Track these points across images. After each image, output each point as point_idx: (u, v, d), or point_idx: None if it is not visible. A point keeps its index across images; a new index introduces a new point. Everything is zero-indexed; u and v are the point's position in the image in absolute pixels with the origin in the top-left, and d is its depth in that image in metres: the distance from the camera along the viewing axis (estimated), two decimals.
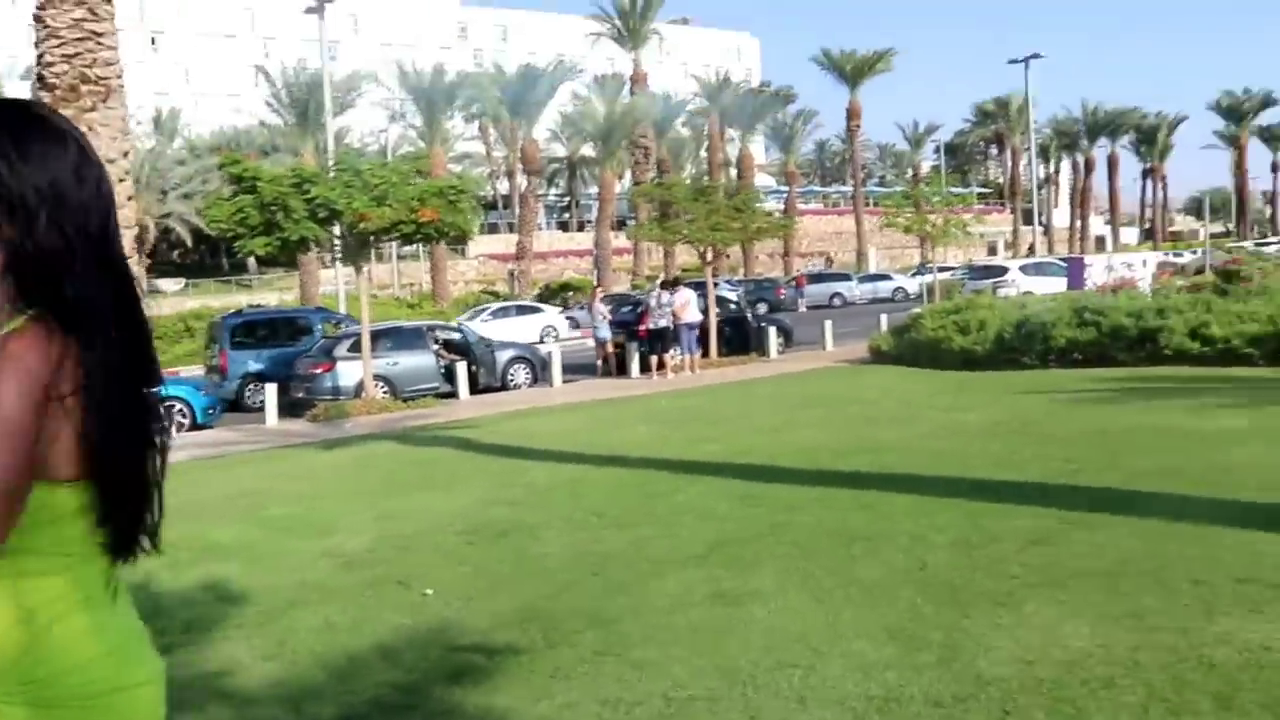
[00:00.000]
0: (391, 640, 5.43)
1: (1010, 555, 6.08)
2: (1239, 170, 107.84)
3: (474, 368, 21.15)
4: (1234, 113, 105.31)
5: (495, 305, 41.12)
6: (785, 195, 77.53)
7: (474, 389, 20.68)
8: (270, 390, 18.89)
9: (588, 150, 67.28)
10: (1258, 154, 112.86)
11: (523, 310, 39.15)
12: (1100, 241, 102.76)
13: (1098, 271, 26.99)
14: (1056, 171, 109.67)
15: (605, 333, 23.57)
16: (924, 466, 9.01)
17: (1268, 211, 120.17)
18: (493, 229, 76.75)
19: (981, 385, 15.36)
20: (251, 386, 21.40)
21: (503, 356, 22.47)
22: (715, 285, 24.68)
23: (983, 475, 8.49)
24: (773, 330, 24.54)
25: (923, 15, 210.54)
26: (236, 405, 21.04)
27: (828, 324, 25.99)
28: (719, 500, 8.28)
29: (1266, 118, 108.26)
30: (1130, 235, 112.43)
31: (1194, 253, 63.33)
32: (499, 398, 20.21)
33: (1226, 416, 10.67)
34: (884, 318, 25.87)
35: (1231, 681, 4.17)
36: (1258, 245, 73.99)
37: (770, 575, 6.08)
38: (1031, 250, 67.27)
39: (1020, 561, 5.94)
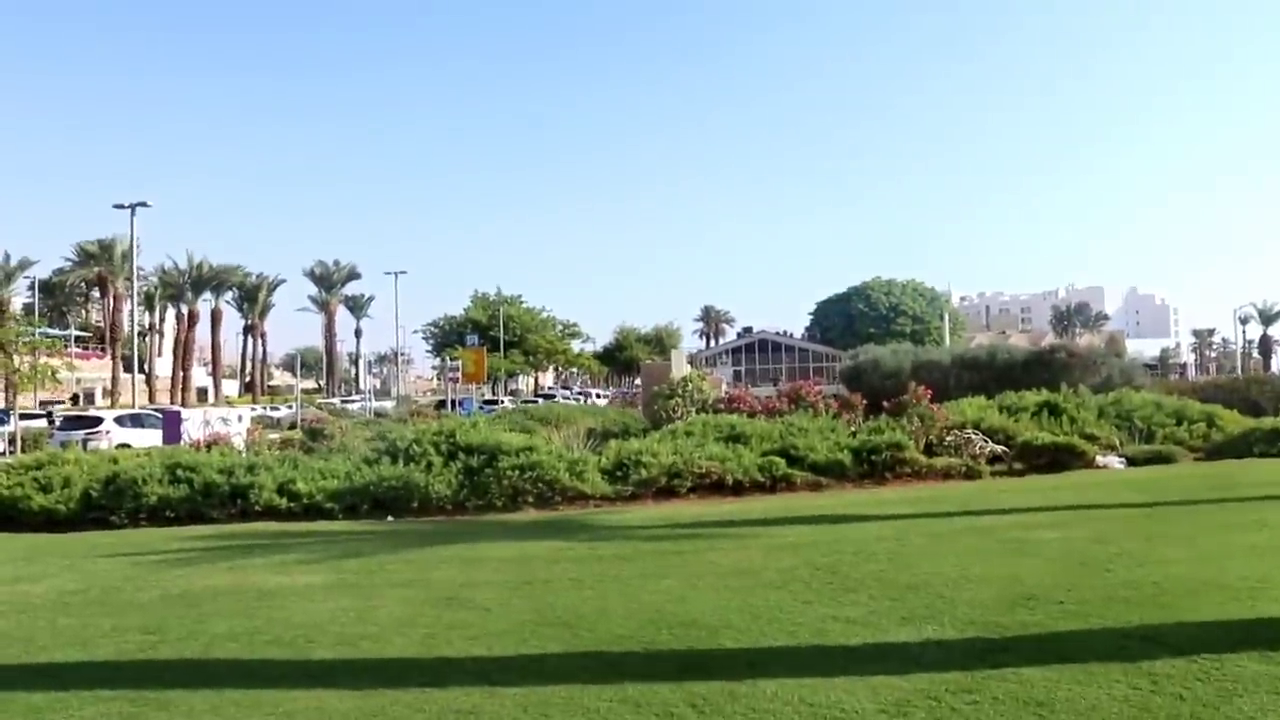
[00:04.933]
0: None
1: None
2: (329, 332, 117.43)
3: None
4: (325, 281, 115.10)
5: None
6: None
7: None
8: None
9: None
10: (346, 319, 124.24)
11: None
12: (203, 393, 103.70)
13: (195, 426, 27.04)
14: (161, 320, 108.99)
15: None
16: None
17: (353, 371, 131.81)
18: None
19: (60, 549, 14.14)
20: None
21: None
22: None
23: (50, 658, 7.69)
24: None
25: (23, 142, 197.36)
26: None
27: None
28: None
29: (352, 288, 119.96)
30: (232, 387, 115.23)
31: (289, 407, 66.90)
32: None
33: (305, 572, 11.08)
34: None
35: None
36: (344, 402, 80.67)
37: None
38: (109, 398, 65.09)
39: None
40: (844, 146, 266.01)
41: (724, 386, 36.28)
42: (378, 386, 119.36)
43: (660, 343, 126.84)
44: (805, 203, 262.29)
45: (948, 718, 5.58)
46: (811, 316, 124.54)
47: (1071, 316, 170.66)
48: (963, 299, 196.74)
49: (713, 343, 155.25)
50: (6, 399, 50.55)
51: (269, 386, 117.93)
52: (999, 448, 21.18)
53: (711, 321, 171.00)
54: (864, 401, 24.99)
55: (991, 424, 22.38)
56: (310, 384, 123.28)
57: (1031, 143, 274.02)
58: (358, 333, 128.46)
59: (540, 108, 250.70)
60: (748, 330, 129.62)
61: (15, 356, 32.58)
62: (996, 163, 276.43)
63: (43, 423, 42.66)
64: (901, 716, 5.61)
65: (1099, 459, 21.32)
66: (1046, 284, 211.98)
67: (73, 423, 40.87)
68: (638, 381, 63.21)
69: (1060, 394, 25.71)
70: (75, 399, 51.84)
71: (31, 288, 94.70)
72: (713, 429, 20.74)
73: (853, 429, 21.61)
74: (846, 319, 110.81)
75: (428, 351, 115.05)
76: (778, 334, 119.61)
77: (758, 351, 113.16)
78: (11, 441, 29.49)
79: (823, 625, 7.77)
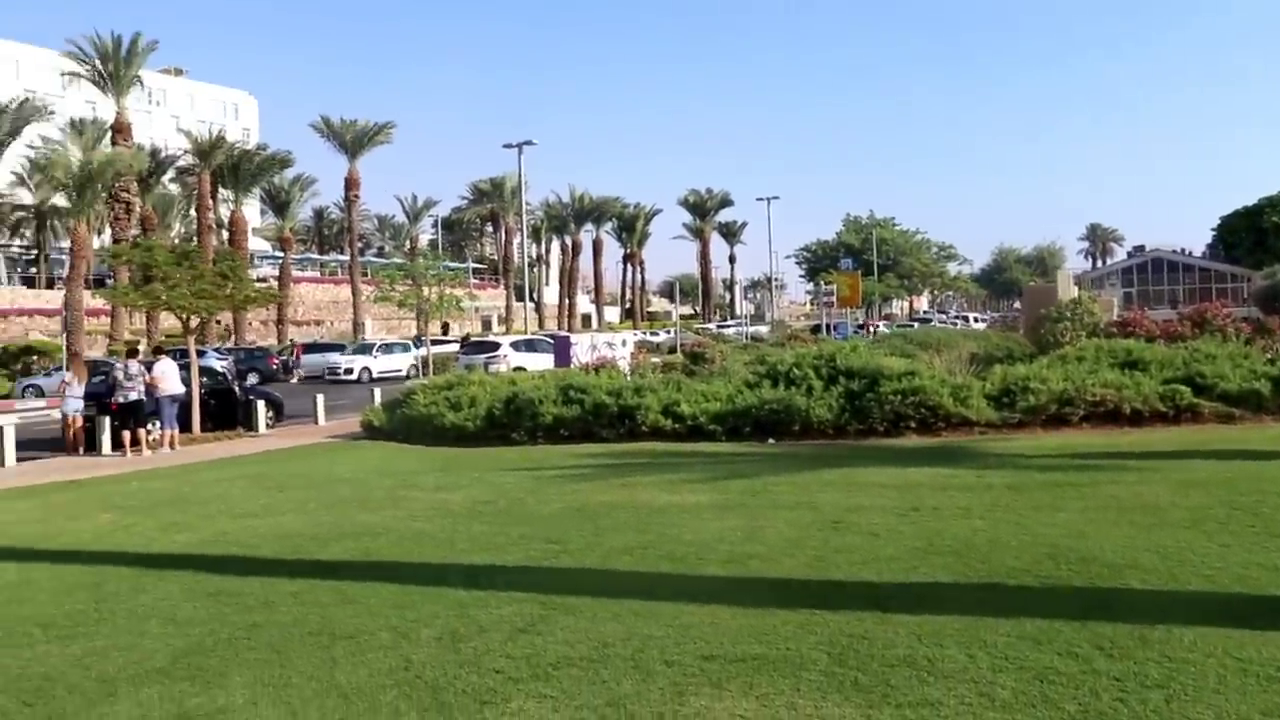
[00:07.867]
0: None
1: (496, 647, 5.98)
2: (704, 259, 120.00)
3: None
4: (699, 209, 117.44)
5: None
6: (281, 261, 75.25)
7: None
8: None
9: (60, 200, 60.65)
10: (719, 246, 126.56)
11: None
12: (586, 319, 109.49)
13: (583, 350, 28.52)
14: (547, 251, 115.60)
15: (74, 404, 21.05)
16: (410, 552, 8.78)
17: (728, 297, 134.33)
18: None
19: (471, 462, 15.45)
20: None
21: None
22: (201, 354, 23.06)
23: (470, 560, 8.40)
24: (262, 404, 23.28)
25: (425, 92, 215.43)
26: None
27: (319, 397, 25.17)
28: (187, 599, 7.50)
29: (725, 215, 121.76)
30: (613, 314, 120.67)
31: (668, 332, 69.29)
32: None
33: (692, 491, 11.45)
34: (377, 391, 25.51)
35: None
36: (720, 328, 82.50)
37: (241, 687, 5.52)
38: (504, 325, 69.82)
39: (505, 654, 5.85)
40: (1251, 41, 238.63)
41: (1115, 309, 33.83)
42: (752, 311, 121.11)
43: (1042, 263, 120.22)
44: (1204, 108, 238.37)
45: None
46: (1214, 233, 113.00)
47: None
48: None
49: (1099, 263, 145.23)
50: (419, 326, 55.74)
51: (648, 312, 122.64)
52: None
53: (1098, 240, 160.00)
54: None
55: None
56: (686, 310, 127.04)
57: None
58: (731, 259, 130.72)
59: (904, 37, 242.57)
60: (1139, 249, 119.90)
61: (425, 288, 35.74)
62: None
63: (450, 348, 46.79)
64: None
65: None
66: None
67: (475, 347, 44.50)
68: (1018, 304, 60.30)
69: None
70: (445, 328, 56.05)
71: (435, 225, 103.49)
72: (1106, 354, 19.37)
73: (1269, 355, 19.48)
74: (1256, 234, 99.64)
75: (800, 276, 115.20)
76: (1174, 252, 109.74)
77: (1151, 271, 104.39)
78: (425, 365, 32.39)
79: (1245, 571, 7.03)
